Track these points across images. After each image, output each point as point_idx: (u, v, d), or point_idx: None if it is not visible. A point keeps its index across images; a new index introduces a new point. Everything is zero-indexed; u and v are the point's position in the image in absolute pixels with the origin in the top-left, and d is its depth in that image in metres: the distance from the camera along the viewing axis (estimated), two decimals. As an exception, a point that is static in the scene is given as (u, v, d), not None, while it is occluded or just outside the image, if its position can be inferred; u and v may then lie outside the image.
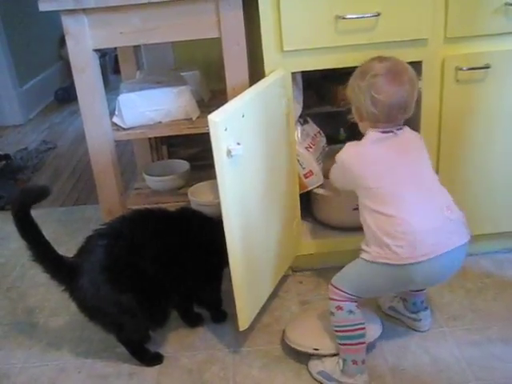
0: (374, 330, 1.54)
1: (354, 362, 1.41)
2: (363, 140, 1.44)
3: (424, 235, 1.31)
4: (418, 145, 1.45)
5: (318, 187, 1.85)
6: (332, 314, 1.44)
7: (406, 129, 1.44)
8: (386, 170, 1.38)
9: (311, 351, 1.52)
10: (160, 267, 1.52)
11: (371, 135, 1.42)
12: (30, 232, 1.44)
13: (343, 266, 1.46)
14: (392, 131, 1.40)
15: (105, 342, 1.64)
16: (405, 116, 1.43)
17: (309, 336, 1.56)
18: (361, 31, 1.57)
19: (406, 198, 1.34)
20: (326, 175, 1.85)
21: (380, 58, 1.42)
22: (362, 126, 1.48)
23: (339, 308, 1.42)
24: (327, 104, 2.04)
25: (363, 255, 1.39)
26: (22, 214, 1.43)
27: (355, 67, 1.51)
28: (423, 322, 1.61)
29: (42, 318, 1.83)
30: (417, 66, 1.61)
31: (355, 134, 2.09)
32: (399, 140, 1.41)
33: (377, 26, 1.56)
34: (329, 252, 1.83)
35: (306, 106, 1.86)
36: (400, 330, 1.63)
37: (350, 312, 1.41)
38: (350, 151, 1.45)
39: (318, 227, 1.92)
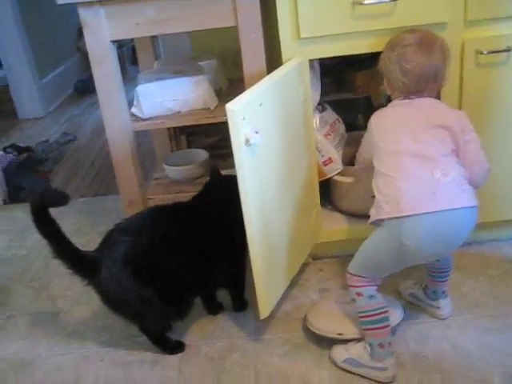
0: (395, 315, 1.53)
1: (381, 346, 1.41)
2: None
3: (406, 192, 1.31)
4: (440, 114, 1.42)
5: (337, 174, 1.84)
6: (353, 300, 1.44)
7: (429, 98, 1.44)
8: (391, 129, 1.42)
9: (335, 336, 1.52)
10: (181, 260, 1.53)
11: (393, 102, 1.47)
12: (48, 230, 1.46)
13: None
14: (410, 97, 1.43)
15: (127, 331, 1.66)
16: (435, 86, 1.44)
17: (332, 321, 1.56)
18: (378, 16, 1.55)
19: (401, 158, 1.36)
20: (345, 162, 1.84)
21: (412, 30, 1.46)
22: (393, 98, 1.50)
23: (359, 294, 1.42)
24: (346, 91, 2.03)
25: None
26: (40, 213, 1.44)
27: (373, 53, 1.50)
28: (443, 310, 1.60)
29: (65, 307, 1.86)
30: (436, 50, 1.60)
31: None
32: (415, 105, 1.42)
33: (395, 11, 1.54)
34: (349, 239, 1.83)
35: (324, 93, 1.85)
36: (421, 317, 1.63)
37: (371, 297, 1.41)
38: (374, 114, 1.50)
39: (338, 215, 1.91)
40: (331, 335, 1.53)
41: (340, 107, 2.00)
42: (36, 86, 3.80)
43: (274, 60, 1.68)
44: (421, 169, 1.33)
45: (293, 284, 1.76)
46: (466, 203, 1.32)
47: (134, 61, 3.91)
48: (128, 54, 4.45)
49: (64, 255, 1.48)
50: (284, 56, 1.61)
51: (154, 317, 1.55)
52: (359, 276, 1.42)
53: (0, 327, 1.80)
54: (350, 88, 2.02)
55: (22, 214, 2.43)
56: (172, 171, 2.03)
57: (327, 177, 1.84)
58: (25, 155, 2.93)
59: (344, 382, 1.45)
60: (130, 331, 1.64)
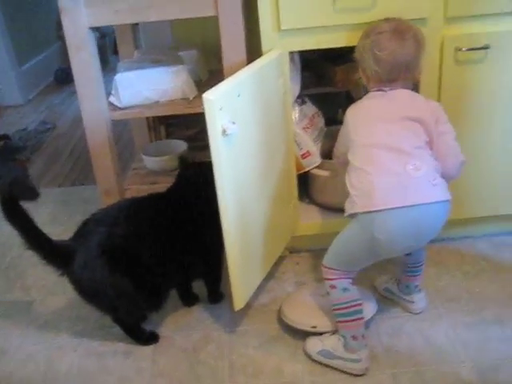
0: (369, 308, 1.54)
1: (354, 338, 1.42)
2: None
3: (378, 186, 1.31)
4: (412, 106, 1.42)
5: (315, 168, 1.84)
6: (328, 293, 1.45)
7: (403, 90, 1.43)
8: (364, 122, 1.43)
9: (309, 329, 1.53)
10: (157, 251, 1.52)
11: (368, 94, 1.47)
12: (19, 221, 1.44)
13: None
14: (382, 89, 1.43)
15: (101, 321, 1.65)
16: (408, 76, 1.43)
17: (306, 314, 1.57)
18: (359, 10, 1.55)
19: (374, 151, 1.35)
20: (323, 156, 1.84)
21: (387, 19, 1.46)
22: (369, 88, 1.50)
23: (333, 287, 1.43)
24: (326, 85, 2.03)
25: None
26: (10, 204, 1.42)
27: (353, 47, 1.50)
28: (416, 304, 1.62)
29: (39, 296, 1.84)
30: (415, 45, 1.60)
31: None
32: (388, 96, 1.42)
33: (375, 5, 1.54)
34: (326, 233, 1.81)
35: (304, 87, 1.84)
36: (395, 311, 1.64)
37: (345, 289, 1.42)
38: (350, 107, 1.49)
39: (315, 208, 1.91)
40: (305, 328, 1.53)
41: (320, 101, 2.00)
42: (15, 73, 3.74)
43: (254, 51, 1.67)
44: (394, 162, 1.33)
45: (269, 276, 1.76)
46: (437, 197, 1.32)
47: (116, 52, 3.87)
48: (110, 44, 4.40)
49: (36, 246, 1.47)
50: (264, 48, 1.60)
51: (129, 308, 1.55)
52: (333, 269, 1.43)
53: (-28, 316, 1.78)
54: (330, 82, 2.02)
55: (-3, 202, 2.39)
56: (150, 161, 2.02)
57: (305, 170, 1.84)
58: (2, 143, 2.89)
59: (316, 374, 1.46)
60: (104, 321, 1.63)
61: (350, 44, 1.55)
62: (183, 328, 1.65)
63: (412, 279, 1.59)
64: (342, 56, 1.90)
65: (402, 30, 1.40)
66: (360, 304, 1.43)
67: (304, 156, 1.80)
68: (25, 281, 1.93)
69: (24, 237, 1.45)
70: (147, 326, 1.63)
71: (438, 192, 1.33)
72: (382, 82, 1.43)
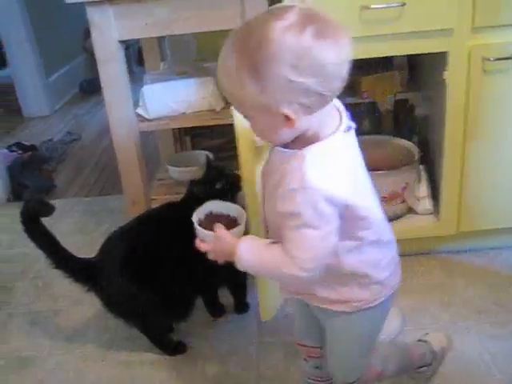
0: (396, 325, 1.52)
1: None
2: None
3: None
4: None
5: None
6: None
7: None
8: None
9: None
10: (180, 262, 1.52)
11: None
12: (43, 242, 1.48)
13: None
14: None
15: (128, 331, 1.65)
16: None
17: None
18: (386, 21, 1.55)
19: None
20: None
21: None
22: None
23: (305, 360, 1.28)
24: (350, 95, 2.03)
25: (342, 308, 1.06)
26: (30, 224, 1.46)
27: (379, 58, 1.50)
28: None
29: (66, 306, 1.86)
30: (443, 56, 1.60)
31: (378, 126, 2.09)
32: None
33: (402, 16, 1.54)
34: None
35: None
36: (423, 324, 1.62)
37: (316, 367, 1.28)
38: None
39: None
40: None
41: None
42: (42, 85, 3.81)
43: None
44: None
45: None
46: None
47: (140, 62, 3.91)
48: (134, 55, 4.45)
49: (62, 265, 1.50)
50: (290, 59, 1.60)
51: (155, 319, 1.56)
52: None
53: (1, 324, 1.80)
54: (355, 92, 2.02)
55: (25, 212, 2.43)
56: (176, 172, 2.03)
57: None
58: (29, 153, 2.93)
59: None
60: (131, 332, 1.63)
61: (377, 55, 1.56)
62: (210, 339, 1.65)
63: None
64: (367, 66, 1.91)
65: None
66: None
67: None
68: (52, 290, 1.95)
69: (48, 257, 1.49)
70: (175, 336, 1.64)
71: None
72: None
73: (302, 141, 0.93)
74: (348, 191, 0.92)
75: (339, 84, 0.89)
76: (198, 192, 1.55)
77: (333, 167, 0.92)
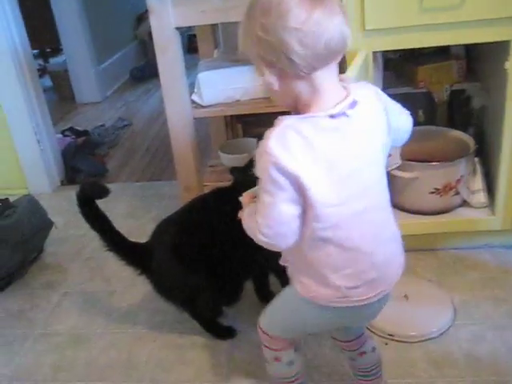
0: (447, 318, 1.51)
1: None
2: None
3: None
4: None
5: (395, 169, 1.81)
6: (267, 362, 1.25)
7: None
8: None
9: (386, 336, 1.53)
10: (228, 245, 1.53)
11: None
12: (98, 224, 1.52)
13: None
14: None
15: (179, 315, 1.68)
16: None
17: (383, 320, 1.54)
18: (446, 9, 1.51)
19: None
20: (404, 157, 1.81)
21: None
22: None
23: (277, 359, 1.22)
24: (406, 85, 2.00)
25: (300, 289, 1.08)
26: (86, 207, 1.50)
27: (436, 47, 1.46)
28: None
29: (119, 287, 1.91)
30: (505, 45, 1.55)
31: (434, 117, 2.06)
32: None
33: (464, 4, 1.50)
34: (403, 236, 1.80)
35: (384, 87, 1.82)
36: (476, 318, 1.59)
37: (290, 363, 1.22)
38: None
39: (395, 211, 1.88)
40: (382, 335, 1.54)
41: (399, 101, 1.96)
42: (94, 72, 3.88)
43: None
44: None
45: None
46: None
47: (190, 49, 3.95)
48: (183, 43, 4.49)
49: (115, 248, 1.54)
50: (348, 48, 1.59)
51: (205, 303, 1.58)
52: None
53: (57, 303, 1.86)
54: (410, 82, 1.99)
55: (79, 195, 2.49)
56: (227, 159, 2.05)
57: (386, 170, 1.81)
58: (82, 138, 3.00)
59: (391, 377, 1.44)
60: (182, 316, 1.66)
61: (437, 44, 1.54)
62: (259, 324, 1.66)
63: None
64: (423, 56, 1.88)
65: None
66: (303, 375, 1.27)
67: (384, 157, 1.78)
68: (105, 271, 2.00)
69: (102, 239, 1.52)
70: (225, 321, 1.66)
71: None
72: None
73: (300, 111, 0.97)
74: (304, 168, 0.92)
75: (315, 56, 0.90)
76: (237, 178, 1.56)
77: (298, 140, 0.92)
